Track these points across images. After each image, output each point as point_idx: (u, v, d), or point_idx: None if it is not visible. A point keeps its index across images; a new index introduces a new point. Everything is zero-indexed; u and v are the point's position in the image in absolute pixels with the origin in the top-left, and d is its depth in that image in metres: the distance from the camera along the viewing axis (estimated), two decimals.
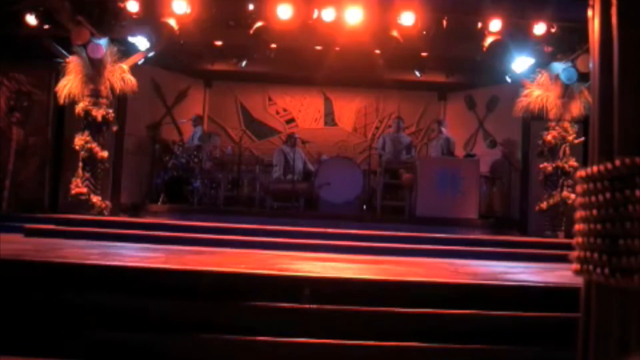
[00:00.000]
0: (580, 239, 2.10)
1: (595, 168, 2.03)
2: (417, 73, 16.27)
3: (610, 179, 1.95)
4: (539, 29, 12.38)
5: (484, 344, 5.56)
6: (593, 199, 2.02)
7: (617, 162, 1.92)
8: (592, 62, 2.25)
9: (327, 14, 12.12)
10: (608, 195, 1.95)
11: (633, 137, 1.98)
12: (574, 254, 2.14)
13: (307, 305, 5.80)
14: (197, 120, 16.22)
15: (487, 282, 6.97)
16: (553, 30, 12.54)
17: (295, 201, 14.64)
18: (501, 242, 11.50)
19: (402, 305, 5.87)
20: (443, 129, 15.62)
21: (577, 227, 2.12)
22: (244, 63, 15.83)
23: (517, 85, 13.88)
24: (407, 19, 11.96)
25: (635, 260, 1.82)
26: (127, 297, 5.93)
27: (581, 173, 2.12)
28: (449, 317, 5.79)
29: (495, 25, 12.30)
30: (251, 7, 12.50)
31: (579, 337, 2.17)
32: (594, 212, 2.01)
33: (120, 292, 5.97)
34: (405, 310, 5.84)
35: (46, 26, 12.84)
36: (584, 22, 2.33)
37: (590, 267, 2.03)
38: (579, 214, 2.11)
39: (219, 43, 14.45)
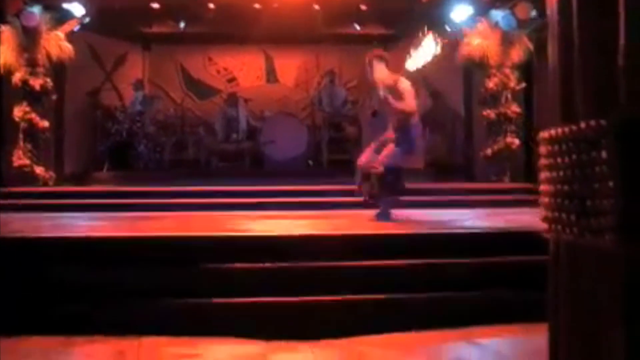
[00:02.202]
0: (547, 200, 2.14)
1: (560, 130, 2.06)
2: (357, 26, 16.23)
3: (575, 140, 1.98)
4: None
5: (439, 292, 5.65)
6: (559, 160, 2.05)
7: (583, 125, 1.95)
8: (551, 16, 2.26)
9: None
10: (574, 157, 1.98)
11: (596, 98, 2.00)
12: (542, 213, 2.18)
13: (265, 265, 5.82)
14: (138, 85, 16.02)
15: (438, 230, 7.06)
16: None
17: (240, 160, 14.61)
18: (448, 190, 11.62)
19: (356, 258, 5.92)
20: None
21: (543, 187, 2.16)
22: (182, 24, 15.64)
23: (457, 34, 13.89)
24: None
25: (605, 220, 1.86)
26: (81, 268, 5.88)
27: (544, 135, 2.15)
28: (403, 267, 5.85)
29: None
30: None
31: (549, 296, 2.22)
32: (560, 173, 2.05)
33: (74, 263, 5.92)
34: (359, 264, 5.89)
35: None
36: None
37: (559, 227, 2.07)
38: (544, 175, 2.15)
39: (155, 5, 14.25)
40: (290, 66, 18.01)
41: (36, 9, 12.63)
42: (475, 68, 14.05)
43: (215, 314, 5.50)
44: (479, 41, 13.37)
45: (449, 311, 5.54)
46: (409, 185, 11.88)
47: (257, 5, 14.08)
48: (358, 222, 8.07)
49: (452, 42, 13.89)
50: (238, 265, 5.84)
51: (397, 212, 8.26)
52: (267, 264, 5.81)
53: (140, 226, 7.87)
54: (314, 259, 5.86)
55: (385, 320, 5.42)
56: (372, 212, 8.31)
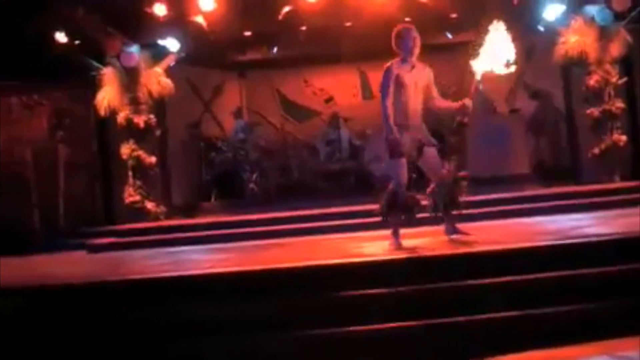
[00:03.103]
0: None
1: None
2: (449, 35, 16.07)
3: None
4: None
5: (577, 303, 5.51)
6: None
7: None
8: None
9: None
10: None
11: None
12: None
13: (396, 288, 5.78)
14: (237, 113, 16.21)
15: (571, 241, 6.86)
16: None
17: (345, 179, 14.61)
18: (560, 195, 11.38)
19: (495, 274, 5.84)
20: (480, 87, 15.43)
21: None
22: (275, 49, 15.72)
23: (552, 33, 13.64)
24: None
25: None
26: (208, 304, 5.94)
27: None
28: (534, 282, 5.74)
29: None
30: None
31: None
32: None
33: (201, 300, 5.98)
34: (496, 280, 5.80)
35: (77, 41, 12.86)
36: None
37: None
38: None
39: (248, 33, 14.38)
40: None
41: (134, 49, 12.90)
42: (574, 66, 13.72)
43: (351, 343, 5.47)
44: (576, 38, 13.06)
45: (586, 324, 5.39)
46: (513, 192, 11.76)
47: (348, 23, 14.07)
48: (487, 234, 7.99)
49: (547, 41, 13.70)
50: (371, 291, 5.81)
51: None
52: (401, 288, 5.76)
53: (260, 257, 7.92)
54: (447, 279, 5.79)
55: (524, 337, 5.31)
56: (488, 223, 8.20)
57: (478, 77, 7.92)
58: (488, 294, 5.74)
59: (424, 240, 7.90)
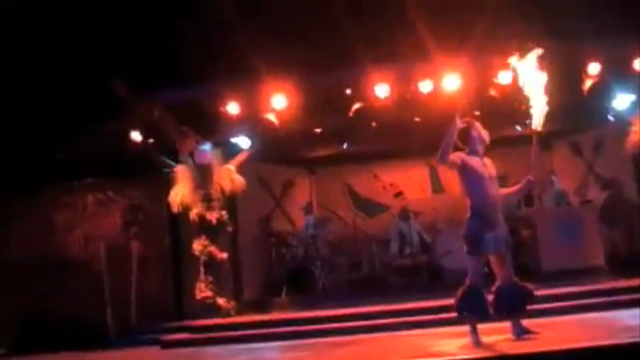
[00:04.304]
0: None
1: None
2: (518, 127, 16.04)
3: None
4: (639, 63, 12.09)
5: None
6: None
7: None
8: None
9: (425, 86, 12.15)
10: None
11: None
12: None
13: None
14: (308, 208, 16.30)
15: None
16: None
17: (417, 274, 14.51)
18: (637, 288, 11.10)
19: None
20: (554, 179, 15.35)
21: None
22: (345, 145, 15.82)
23: (622, 123, 13.55)
24: (505, 77, 11.79)
25: None
26: None
27: None
28: None
29: (594, 68, 12.10)
30: (349, 91, 12.58)
31: None
32: None
33: None
34: None
35: (151, 140, 13.12)
36: None
37: None
38: None
39: (318, 130, 14.53)
40: (455, 174, 17.87)
41: (207, 147, 13.13)
42: None
43: None
44: None
45: None
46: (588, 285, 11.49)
47: (417, 119, 14.13)
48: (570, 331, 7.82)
49: (617, 132, 13.60)
50: None
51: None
52: None
53: (335, 356, 7.83)
54: None
55: None
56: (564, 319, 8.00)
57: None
58: None
59: (499, 337, 7.68)
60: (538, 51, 7.76)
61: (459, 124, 7.76)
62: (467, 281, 7.59)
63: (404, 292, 13.09)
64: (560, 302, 10.22)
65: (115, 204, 13.81)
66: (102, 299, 13.20)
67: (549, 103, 7.93)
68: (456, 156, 7.73)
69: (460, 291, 7.62)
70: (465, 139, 7.87)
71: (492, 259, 7.67)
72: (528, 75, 7.79)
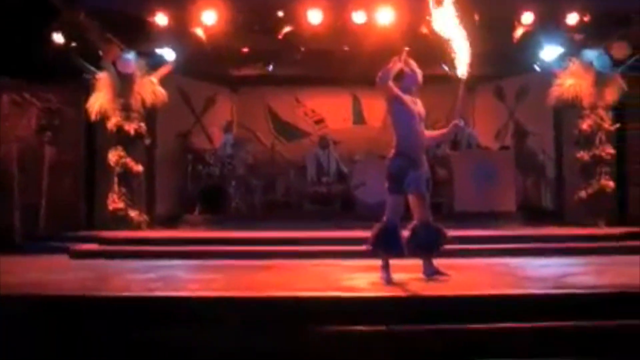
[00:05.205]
0: None
1: None
2: (445, 67, 16.08)
3: None
4: (572, 18, 12.24)
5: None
6: None
7: None
8: None
9: (358, 17, 12.07)
10: None
11: None
12: None
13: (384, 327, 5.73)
14: (227, 127, 16.14)
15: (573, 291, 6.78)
16: (586, 19, 12.34)
17: (331, 203, 14.58)
18: (546, 237, 11.36)
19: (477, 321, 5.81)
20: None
21: None
22: (270, 67, 15.67)
23: (547, 74, 13.70)
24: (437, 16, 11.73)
25: None
26: (196, 330, 5.87)
27: None
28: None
29: (527, 17, 12.18)
30: (280, 13, 12.41)
31: None
32: None
33: (190, 324, 5.91)
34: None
35: (74, 44, 12.77)
36: (619, 9, 2.21)
37: None
38: None
39: (245, 49, 14.35)
40: (378, 108, 17.88)
41: (131, 56, 12.85)
42: (567, 109, 13.76)
43: None
44: (572, 82, 13.13)
45: None
46: (499, 230, 11.72)
47: (346, 48, 14.06)
48: (467, 274, 7.95)
49: (541, 82, 13.75)
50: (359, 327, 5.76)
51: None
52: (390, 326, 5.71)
53: (248, 281, 7.83)
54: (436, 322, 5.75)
55: None
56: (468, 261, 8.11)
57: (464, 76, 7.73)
58: (479, 341, 5.71)
59: (410, 275, 7.76)
60: None
61: (399, 65, 7.62)
62: (385, 218, 7.58)
63: (317, 220, 13.18)
64: (469, 245, 10.35)
65: (31, 106, 13.39)
66: (11, 200, 12.89)
67: (478, 47, 7.84)
68: (395, 86, 7.61)
69: (376, 227, 7.61)
70: (399, 77, 7.73)
71: (412, 198, 7.61)
72: (445, 22, 7.66)
